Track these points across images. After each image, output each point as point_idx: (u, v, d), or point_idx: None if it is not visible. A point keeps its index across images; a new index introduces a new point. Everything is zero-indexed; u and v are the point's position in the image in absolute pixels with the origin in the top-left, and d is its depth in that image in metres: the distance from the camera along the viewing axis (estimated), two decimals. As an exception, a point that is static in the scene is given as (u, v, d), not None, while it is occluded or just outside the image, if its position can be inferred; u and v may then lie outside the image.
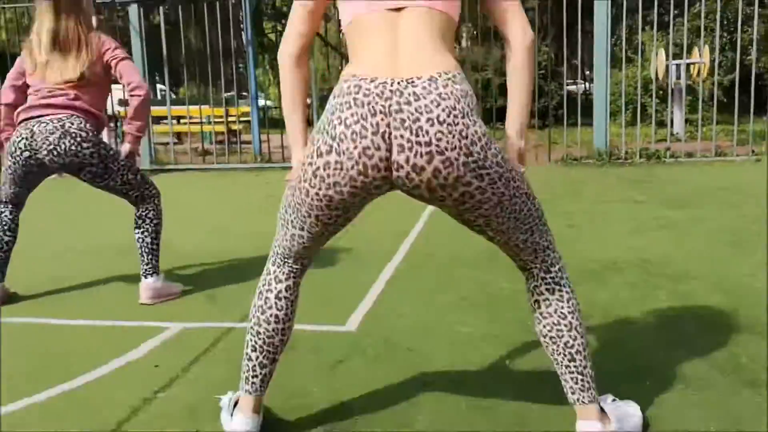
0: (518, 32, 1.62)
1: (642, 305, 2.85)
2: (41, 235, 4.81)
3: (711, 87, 11.02)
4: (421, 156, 1.43)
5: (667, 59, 10.51)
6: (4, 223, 3.14)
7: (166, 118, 10.13)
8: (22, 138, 2.91)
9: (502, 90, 12.80)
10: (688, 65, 10.61)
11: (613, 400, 1.80)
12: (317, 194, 1.54)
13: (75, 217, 5.69)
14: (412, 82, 1.44)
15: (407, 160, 1.43)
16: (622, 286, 3.14)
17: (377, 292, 3.13)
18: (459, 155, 1.44)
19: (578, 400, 1.69)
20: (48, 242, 4.58)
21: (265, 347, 1.77)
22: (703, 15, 9.56)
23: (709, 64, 10.24)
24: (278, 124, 11.06)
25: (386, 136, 1.43)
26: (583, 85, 16.84)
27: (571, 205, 5.29)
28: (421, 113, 1.42)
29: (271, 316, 1.76)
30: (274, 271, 1.79)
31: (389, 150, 1.44)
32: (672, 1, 9.35)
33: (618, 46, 13.32)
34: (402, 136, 1.43)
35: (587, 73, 20.14)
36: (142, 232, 3.15)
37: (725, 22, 13.46)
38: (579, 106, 8.81)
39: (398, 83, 1.44)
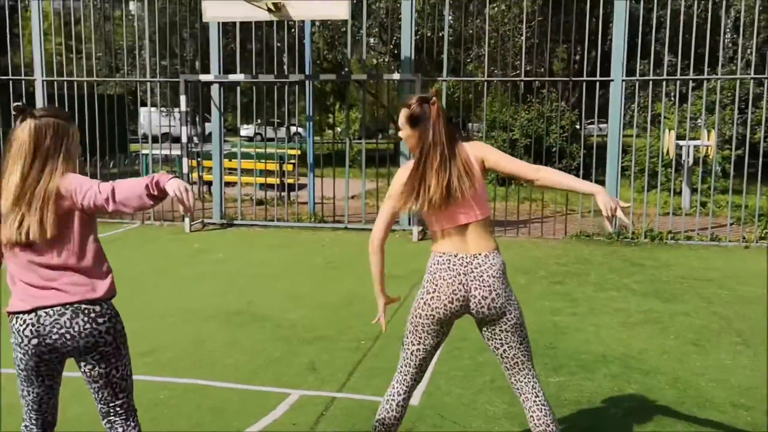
0: (530, 170, 2.71)
1: (619, 394, 4.08)
2: (135, 296, 6.14)
3: (720, 161, 12.29)
4: (486, 290, 2.71)
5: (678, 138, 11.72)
6: None
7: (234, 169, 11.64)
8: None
9: (527, 150, 13.96)
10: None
11: None
12: (427, 314, 2.79)
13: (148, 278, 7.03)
14: (476, 257, 2.74)
15: (479, 293, 2.72)
16: (606, 377, 4.36)
17: (428, 374, 4.36)
18: (501, 292, 2.73)
19: None
20: (146, 304, 5.90)
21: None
22: (718, 90, 10.73)
23: (715, 146, 11.40)
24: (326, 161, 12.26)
25: (465, 284, 2.73)
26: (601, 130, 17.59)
27: (577, 290, 6.52)
28: (482, 272, 2.72)
29: (393, 418, 2.92)
30: (397, 387, 2.93)
31: (467, 290, 2.72)
32: (690, 77, 10.54)
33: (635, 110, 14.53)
34: (475, 282, 2.72)
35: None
36: None
37: (738, 99, 14.62)
38: (594, 159, 9.84)
39: (470, 257, 2.74)
